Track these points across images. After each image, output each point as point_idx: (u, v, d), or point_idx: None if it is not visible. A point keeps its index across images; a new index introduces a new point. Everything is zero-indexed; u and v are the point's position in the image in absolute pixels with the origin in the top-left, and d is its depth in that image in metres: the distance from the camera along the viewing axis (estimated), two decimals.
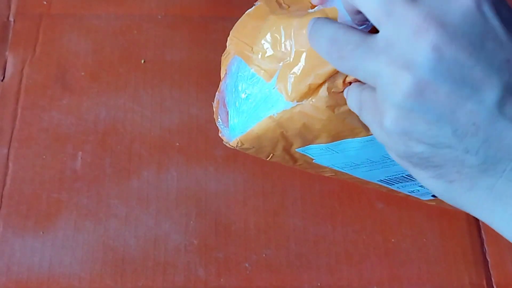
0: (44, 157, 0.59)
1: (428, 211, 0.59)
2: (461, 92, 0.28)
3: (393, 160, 0.42)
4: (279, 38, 0.40)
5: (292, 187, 0.59)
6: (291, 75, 0.39)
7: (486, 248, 0.58)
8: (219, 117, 0.46)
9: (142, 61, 0.65)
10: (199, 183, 0.59)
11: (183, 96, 0.62)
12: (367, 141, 0.42)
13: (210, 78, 0.64)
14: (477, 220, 0.59)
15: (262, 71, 0.41)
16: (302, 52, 0.39)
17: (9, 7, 0.67)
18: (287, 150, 0.45)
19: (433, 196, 0.54)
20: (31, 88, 0.62)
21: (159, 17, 0.67)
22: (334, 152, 0.44)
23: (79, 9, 0.67)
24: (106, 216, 0.56)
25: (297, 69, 0.39)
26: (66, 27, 0.66)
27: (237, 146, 0.45)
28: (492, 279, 0.56)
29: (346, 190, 0.59)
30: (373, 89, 0.32)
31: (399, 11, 0.29)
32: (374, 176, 0.50)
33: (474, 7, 0.28)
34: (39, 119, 0.61)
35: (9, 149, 0.59)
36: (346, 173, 0.49)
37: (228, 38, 0.46)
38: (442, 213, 0.59)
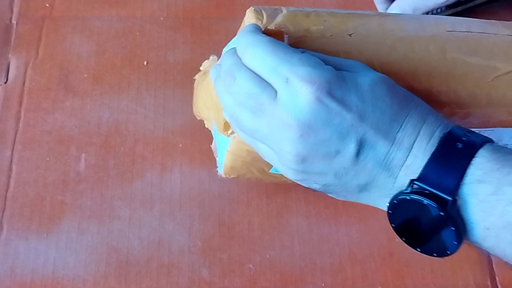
0: (47, 159, 0.59)
1: None
2: (329, 154, 0.41)
3: None
4: (206, 99, 0.54)
5: (295, 187, 0.59)
6: (216, 119, 0.51)
7: None
8: (216, 156, 0.56)
9: (145, 62, 0.65)
10: (202, 184, 0.59)
11: (186, 98, 0.62)
12: None
13: None
14: None
15: (209, 125, 0.55)
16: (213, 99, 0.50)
17: (12, 10, 0.67)
18: (264, 172, 0.52)
19: None
20: (34, 91, 0.62)
21: (162, 18, 0.67)
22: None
23: (82, 11, 0.67)
24: (109, 218, 0.56)
25: (216, 114, 0.50)
26: (69, 30, 0.66)
27: (225, 176, 0.54)
28: (496, 278, 0.56)
29: None
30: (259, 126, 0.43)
31: (294, 84, 0.40)
32: None
33: (315, 101, 0.39)
34: (42, 121, 0.61)
35: (12, 151, 0.59)
36: None
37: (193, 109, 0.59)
38: None
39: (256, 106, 0.41)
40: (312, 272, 0.55)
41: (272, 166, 0.48)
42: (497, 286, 0.56)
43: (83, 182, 0.58)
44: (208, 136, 0.57)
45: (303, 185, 0.44)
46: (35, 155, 0.59)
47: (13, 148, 0.59)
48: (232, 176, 0.53)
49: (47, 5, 0.67)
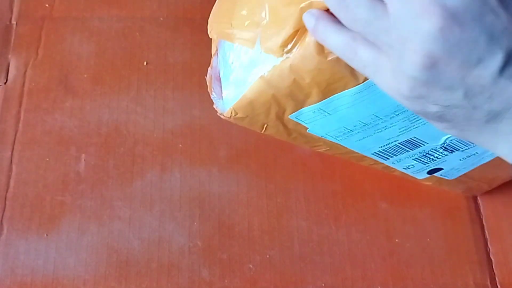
0: (47, 159, 0.59)
1: (431, 211, 0.59)
2: (469, 62, 0.32)
3: (385, 122, 0.45)
4: (254, 5, 0.43)
5: (295, 187, 0.59)
6: (271, 32, 0.41)
7: (490, 248, 0.58)
8: (213, 90, 0.48)
9: (145, 63, 0.65)
10: (202, 185, 0.59)
11: (185, 98, 0.62)
12: (357, 93, 0.42)
13: None
14: (480, 219, 0.59)
15: (245, 40, 0.44)
16: (276, 7, 0.41)
17: (12, 11, 0.67)
18: (280, 118, 0.46)
19: (429, 173, 0.55)
20: (34, 91, 0.62)
21: (161, 19, 0.68)
22: (326, 114, 0.45)
23: (81, 11, 0.67)
24: (109, 218, 0.57)
25: (276, 25, 0.41)
26: (69, 30, 0.66)
27: (231, 116, 0.46)
28: (496, 278, 0.56)
29: (349, 190, 0.59)
30: (378, 49, 0.35)
31: None
32: (368, 147, 0.50)
33: None
34: (42, 122, 0.61)
35: (12, 151, 0.59)
36: (340, 146, 0.49)
37: (208, 26, 0.48)
38: (445, 213, 0.59)
39: None
40: (312, 272, 0.55)
41: (294, 110, 0.45)
42: (497, 286, 0.56)
43: (83, 183, 0.58)
44: (208, 137, 0.58)
45: (413, 108, 0.36)
46: (35, 156, 0.59)
47: (13, 148, 0.59)
48: (237, 115, 0.47)
49: (47, 5, 0.67)
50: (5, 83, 0.63)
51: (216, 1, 0.49)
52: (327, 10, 0.38)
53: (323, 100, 0.43)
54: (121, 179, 0.58)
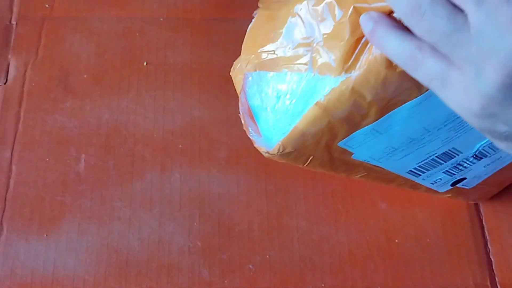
0: (47, 160, 0.59)
1: (431, 211, 0.59)
2: None
3: (431, 135, 0.42)
4: (298, 25, 0.39)
5: (295, 188, 0.59)
6: (327, 50, 0.37)
7: (490, 248, 0.58)
8: (249, 128, 0.44)
9: (145, 63, 0.65)
10: (202, 185, 0.59)
11: (185, 98, 0.62)
12: (415, 106, 0.40)
13: (213, 80, 0.64)
14: (480, 220, 0.59)
15: (294, 65, 0.39)
16: (331, 22, 0.37)
17: (11, 11, 0.67)
18: (329, 146, 0.42)
19: (452, 185, 0.54)
20: (33, 91, 0.62)
21: (161, 19, 0.68)
22: (378, 134, 0.42)
23: (81, 12, 0.67)
24: (109, 219, 0.57)
25: (331, 39, 0.37)
26: (69, 30, 0.66)
27: (277, 152, 0.42)
28: (496, 279, 0.56)
29: (349, 191, 0.59)
30: (448, 62, 0.33)
31: (491, 2, 0.30)
32: (406, 165, 0.48)
33: None
34: (42, 122, 0.61)
35: (12, 152, 0.59)
36: (378, 169, 0.47)
37: (238, 61, 0.44)
38: (445, 214, 0.59)
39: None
40: (312, 273, 0.55)
41: (346, 135, 0.41)
42: (497, 286, 0.56)
43: (83, 183, 0.58)
44: (208, 137, 0.58)
45: (481, 126, 0.35)
46: (34, 156, 0.59)
47: (12, 148, 0.59)
48: (285, 151, 0.42)
49: (47, 5, 0.67)
50: (5, 83, 0.63)
51: (247, 33, 0.45)
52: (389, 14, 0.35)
53: (380, 119, 0.40)
54: (121, 179, 0.58)
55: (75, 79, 0.63)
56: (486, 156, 0.50)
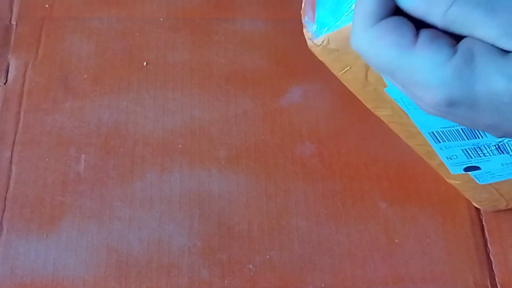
0: (47, 160, 0.59)
1: (431, 211, 0.59)
2: None
3: None
4: None
5: (295, 188, 0.59)
6: None
7: (490, 248, 0.57)
8: (305, 13, 0.42)
9: (145, 63, 0.65)
10: (202, 185, 0.59)
11: (185, 98, 0.62)
12: None
13: (213, 80, 0.64)
14: (480, 220, 0.59)
15: None
16: None
17: (11, 11, 0.67)
18: (367, 65, 0.40)
19: (465, 170, 0.52)
20: (33, 91, 0.62)
21: (161, 19, 0.68)
22: None
23: (81, 12, 0.67)
24: (109, 219, 0.57)
25: None
26: (68, 30, 0.66)
27: (321, 44, 0.41)
28: (496, 279, 0.56)
29: (349, 191, 0.59)
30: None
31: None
32: (431, 123, 0.47)
33: None
34: (42, 122, 0.61)
35: (12, 152, 0.59)
36: (404, 115, 0.46)
37: None
38: (445, 214, 0.59)
39: None
40: (312, 273, 0.55)
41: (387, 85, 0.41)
42: (497, 286, 0.56)
43: (83, 183, 0.58)
44: (208, 137, 0.58)
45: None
46: (34, 156, 0.59)
47: (12, 148, 0.59)
48: (329, 46, 0.41)
49: (47, 5, 0.67)
50: (5, 83, 0.63)
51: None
52: None
53: None
54: (121, 180, 0.58)
55: (75, 79, 0.63)
56: (507, 152, 0.49)
